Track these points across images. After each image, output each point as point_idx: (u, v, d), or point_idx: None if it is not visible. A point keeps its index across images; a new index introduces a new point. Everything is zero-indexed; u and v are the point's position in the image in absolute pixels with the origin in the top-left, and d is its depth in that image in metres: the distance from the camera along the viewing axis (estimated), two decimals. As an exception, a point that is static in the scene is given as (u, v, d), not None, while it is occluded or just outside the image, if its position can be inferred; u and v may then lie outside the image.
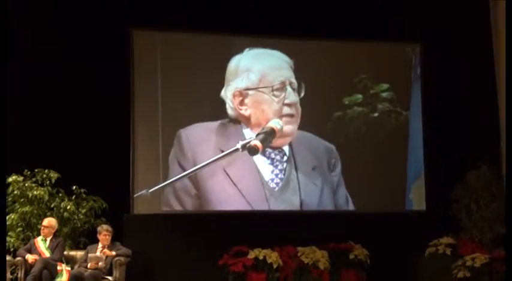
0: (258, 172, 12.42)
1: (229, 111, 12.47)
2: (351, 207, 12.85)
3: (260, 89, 12.43)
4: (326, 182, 12.72)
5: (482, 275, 10.99)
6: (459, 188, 12.48)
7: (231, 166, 12.30)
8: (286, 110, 12.46)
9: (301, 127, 12.67)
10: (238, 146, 12.17)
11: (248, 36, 12.83)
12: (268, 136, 12.27)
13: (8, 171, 11.47)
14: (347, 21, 12.73)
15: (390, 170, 13.06)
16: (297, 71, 12.65)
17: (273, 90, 12.41)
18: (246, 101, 12.36)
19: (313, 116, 12.80)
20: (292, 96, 12.44)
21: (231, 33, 12.72)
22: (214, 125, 12.43)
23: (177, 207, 12.20)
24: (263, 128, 12.31)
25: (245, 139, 12.25)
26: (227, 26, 12.59)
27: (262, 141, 12.18)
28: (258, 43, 12.81)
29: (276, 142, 12.41)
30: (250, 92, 12.42)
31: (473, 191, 12.34)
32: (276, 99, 12.38)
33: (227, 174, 12.27)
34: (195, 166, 12.19)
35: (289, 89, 12.42)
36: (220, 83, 12.54)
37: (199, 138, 12.37)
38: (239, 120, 12.44)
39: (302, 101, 12.59)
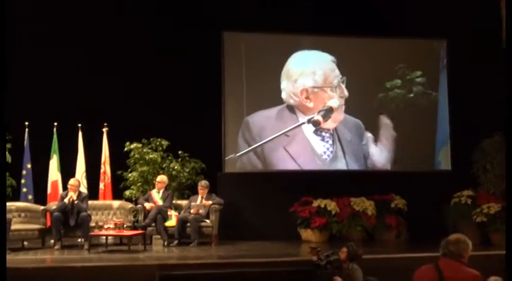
0: (312, 148, 12.86)
1: (291, 101, 12.86)
2: (388, 167, 13.21)
3: (324, 88, 13.01)
4: (359, 150, 13.15)
5: (496, 219, 11.22)
6: (477, 152, 12.68)
7: (290, 144, 12.77)
8: (341, 101, 12.96)
9: (349, 108, 13.08)
10: (304, 120, 12.77)
11: (303, 34, 13.12)
12: (328, 113, 12.84)
13: (130, 140, 12.52)
14: (386, 21, 12.84)
15: (423, 138, 13.31)
16: (342, 65, 13.07)
17: (332, 88, 12.98)
18: (311, 96, 12.85)
19: (360, 97, 13.12)
20: (345, 91, 12.93)
21: (287, 32, 12.99)
22: (273, 111, 12.88)
23: (256, 167, 12.77)
24: (324, 107, 12.84)
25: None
26: (285, 27, 12.76)
27: (323, 116, 12.80)
28: (309, 42, 13.14)
29: (327, 125, 12.87)
30: (315, 89, 12.92)
31: (488, 154, 12.52)
32: (335, 94, 12.91)
33: (287, 151, 12.83)
34: (262, 146, 12.74)
35: (342, 85, 12.93)
36: (279, 74, 12.98)
37: (263, 123, 12.83)
38: (293, 108, 12.90)
39: (350, 86, 13.03)
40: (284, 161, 12.80)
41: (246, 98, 12.85)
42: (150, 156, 12.42)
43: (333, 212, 12.00)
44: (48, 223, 11.17)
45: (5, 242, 6.71)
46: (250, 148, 12.71)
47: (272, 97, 12.91)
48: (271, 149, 12.77)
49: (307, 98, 12.88)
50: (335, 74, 13.00)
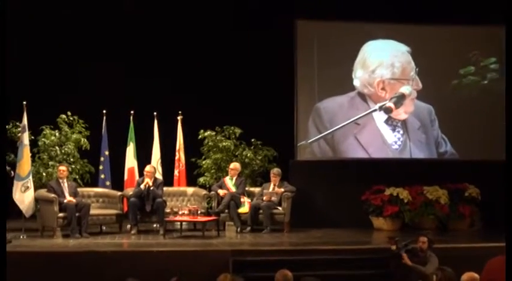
0: (383, 137, 12.76)
1: (365, 91, 12.76)
2: (456, 156, 12.95)
3: (401, 80, 12.88)
4: (429, 136, 12.97)
5: None
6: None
7: (361, 133, 12.69)
8: (414, 93, 12.82)
9: (421, 95, 12.91)
10: (376, 107, 12.68)
11: (376, 23, 12.89)
12: (400, 99, 12.72)
13: (204, 128, 12.67)
14: (460, 8, 12.48)
15: (496, 126, 12.64)
16: (416, 53, 12.89)
17: (409, 80, 12.84)
18: (387, 87, 12.75)
19: (434, 84, 12.90)
20: (419, 83, 12.77)
21: (363, 21, 12.81)
22: (345, 98, 12.81)
23: (327, 154, 12.73)
24: (395, 93, 12.74)
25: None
26: (361, 15, 12.60)
27: (395, 103, 12.69)
28: (382, 31, 12.97)
29: (399, 116, 12.76)
30: (392, 81, 12.81)
31: None
32: (410, 87, 12.79)
33: (358, 140, 12.76)
34: (332, 133, 12.68)
35: (417, 77, 12.79)
36: (353, 62, 12.84)
37: (334, 110, 12.75)
38: (365, 96, 12.79)
39: (422, 74, 12.87)
40: (354, 150, 12.77)
41: (318, 85, 12.82)
42: (224, 144, 12.55)
43: (406, 201, 11.89)
44: (125, 209, 11.45)
45: (5, 243, 6.87)
46: (321, 135, 12.70)
47: (343, 85, 12.85)
48: (341, 136, 12.75)
49: (383, 89, 12.82)
50: (411, 66, 12.90)
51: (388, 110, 12.76)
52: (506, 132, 7.37)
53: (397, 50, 13.00)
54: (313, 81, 12.83)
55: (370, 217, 12.17)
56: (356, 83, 12.86)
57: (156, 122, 12.69)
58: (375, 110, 12.75)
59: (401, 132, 12.86)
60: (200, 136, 12.72)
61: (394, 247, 8.03)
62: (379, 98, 12.82)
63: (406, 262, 7.99)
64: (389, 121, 12.83)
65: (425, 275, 7.42)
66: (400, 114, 12.83)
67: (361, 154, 12.73)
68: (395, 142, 12.84)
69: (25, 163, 10.65)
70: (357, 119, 12.71)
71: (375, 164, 12.68)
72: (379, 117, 12.82)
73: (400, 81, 12.89)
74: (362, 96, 12.84)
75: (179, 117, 12.76)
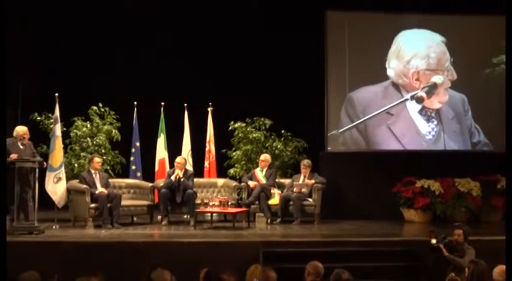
0: (416, 127, 12.71)
1: (399, 81, 12.75)
2: (489, 146, 12.88)
3: (436, 71, 12.79)
4: (462, 126, 12.87)
5: None
6: None
7: (394, 123, 12.66)
8: (447, 83, 12.74)
9: (454, 84, 12.82)
10: (408, 96, 12.65)
11: (408, 13, 12.88)
12: (431, 89, 12.68)
13: (234, 119, 12.68)
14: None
15: None
16: (449, 43, 12.80)
17: (444, 71, 12.78)
18: (421, 78, 12.70)
19: (466, 74, 12.84)
20: (454, 74, 12.72)
21: (395, 12, 12.78)
22: (378, 88, 12.80)
23: (354, 148, 12.75)
24: (427, 83, 12.68)
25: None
26: (393, 5, 12.54)
27: (427, 92, 12.63)
28: (416, 21, 12.92)
29: (433, 105, 12.70)
30: (427, 72, 12.74)
31: None
32: (445, 77, 12.72)
33: (391, 130, 12.71)
34: (365, 123, 12.70)
35: (451, 68, 12.72)
36: (386, 52, 12.82)
37: (368, 100, 12.76)
38: (399, 86, 12.75)
39: (456, 63, 12.79)
40: (387, 140, 12.74)
41: (349, 75, 12.78)
42: (254, 135, 12.54)
43: (437, 193, 11.82)
44: (156, 200, 11.52)
45: (5, 243, 6.87)
46: (353, 124, 12.71)
47: (375, 74, 12.82)
48: (374, 127, 12.73)
49: (417, 79, 12.79)
50: (446, 57, 12.83)
51: (419, 100, 12.69)
52: (506, 132, 7.38)
53: (432, 41, 12.92)
54: (344, 72, 12.80)
55: (401, 209, 12.11)
56: (390, 73, 12.82)
57: (186, 113, 12.73)
58: (407, 100, 12.70)
59: (435, 122, 12.80)
60: (230, 127, 12.71)
61: (434, 241, 7.97)
62: (413, 88, 12.79)
63: (446, 255, 7.91)
64: (423, 111, 12.77)
65: (463, 268, 7.34)
66: (434, 104, 12.77)
67: (394, 144, 12.71)
68: (429, 132, 12.79)
69: (57, 154, 10.75)
70: (388, 108, 12.67)
71: (406, 155, 12.61)
72: (413, 107, 12.77)
73: (435, 72, 12.80)
74: (396, 86, 12.80)
75: (209, 109, 12.79)
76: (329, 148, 12.75)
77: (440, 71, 12.80)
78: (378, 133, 12.71)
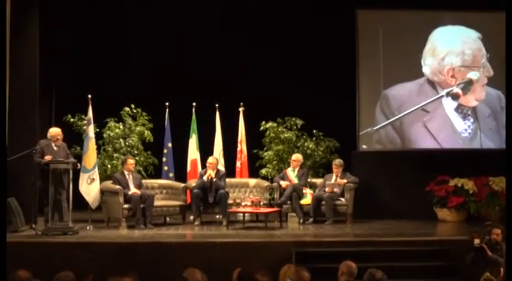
0: (452, 125, 12.57)
1: (434, 78, 12.61)
2: None
3: (472, 67, 12.65)
4: (499, 124, 12.60)
5: None
6: None
7: (430, 121, 12.52)
8: (484, 79, 12.60)
9: (489, 81, 12.65)
10: (443, 93, 12.51)
11: (444, 11, 12.69)
12: (467, 85, 12.52)
13: (266, 119, 12.65)
14: None
15: None
16: (486, 39, 12.63)
17: (480, 68, 12.62)
18: (457, 75, 12.55)
19: (502, 70, 12.53)
20: (490, 70, 12.58)
21: (430, 9, 12.59)
22: (414, 85, 12.68)
23: (389, 146, 12.67)
24: (463, 79, 12.52)
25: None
26: (427, 3, 12.44)
27: (462, 89, 12.49)
28: (451, 17, 12.76)
29: (469, 103, 12.54)
30: (462, 68, 12.59)
31: None
32: (481, 74, 12.58)
33: (427, 128, 12.56)
34: (400, 121, 12.60)
35: (488, 64, 12.58)
36: (421, 49, 12.70)
37: (403, 97, 12.64)
38: (434, 83, 12.62)
39: (491, 60, 12.59)
40: (423, 138, 12.65)
41: (384, 73, 12.71)
42: (285, 135, 12.51)
43: (471, 192, 11.70)
44: (188, 200, 11.52)
45: (5, 242, 6.89)
46: (387, 122, 12.64)
47: (410, 71, 12.74)
48: (410, 124, 12.64)
49: (452, 76, 12.66)
50: (482, 53, 12.68)
51: (455, 96, 12.58)
52: (506, 132, 7.15)
53: (468, 37, 12.79)
54: (377, 70, 12.74)
55: (434, 208, 11.97)
56: (425, 70, 12.71)
57: (218, 113, 12.77)
58: (442, 96, 12.60)
59: (471, 120, 12.66)
60: (262, 127, 12.70)
61: (477, 241, 7.85)
62: (448, 86, 12.68)
63: (489, 255, 7.80)
64: (459, 109, 12.65)
65: (500, 268, 7.23)
66: (470, 101, 12.64)
67: (430, 142, 12.60)
68: (465, 130, 12.66)
69: (91, 155, 10.86)
70: (424, 105, 12.57)
71: (439, 154, 12.49)
72: (449, 104, 12.64)
73: (470, 69, 12.67)
74: (431, 83, 12.70)
75: (241, 109, 12.80)
76: (363, 146, 12.68)
77: (476, 67, 12.65)
78: (414, 130, 12.63)
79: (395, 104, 12.65)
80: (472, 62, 12.68)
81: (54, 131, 10.22)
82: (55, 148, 10.05)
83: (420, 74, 12.72)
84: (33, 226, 9.73)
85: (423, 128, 12.59)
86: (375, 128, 12.60)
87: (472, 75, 12.58)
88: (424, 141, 12.63)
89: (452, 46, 12.74)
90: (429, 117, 12.60)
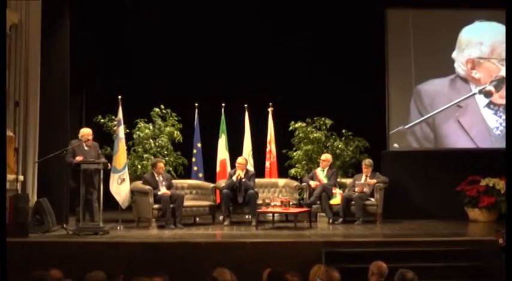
0: (485, 121, 12.48)
1: (459, 71, 12.53)
2: None
3: (491, 59, 12.58)
4: None
5: None
6: None
7: (463, 116, 12.43)
8: None
9: None
10: (476, 91, 12.44)
11: (475, 9, 12.59)
12: (500, 83, 12.42)
13: (294, 119, 12.69)
14: None
15: None
16: None
17: (500, 61, 12.47)
18: (476, 67, 12.48)
19: None
20: None
21: (461, 7, 12.52)
22: (446, 80, 12.61)
23: (424, 142, 12.60)
24: (495, 77, 12.43)
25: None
26: (457, 1, 12.37)
27: (495, 86, 12.41)
28: (483, 15, 12.67)
29: (500, 100, 12.43)
30: (481, 60, 12.54)
31: None
32: (503, 67, 12.39)
33: (460, 123, 12.49)
34: (433, 117, 12.47)
35: None
36: (452, 46, 12.64)
37: (435, 93, 12.58)
38: (466, 79, 12.56)
39: None
40: (456, 134, 12.59)
41: (415, 70, 12.64)
42: (315, 135, 12.50)
43: (502, 192, 11.52)
44: (218, 200, 11.55)
45: (5, 241, 6.96)
46: (420, 119, 12.59)
47: (441, 68, 12.68)
48: (442, 120, 12.58)
49: (472, 68, 12.56)
50: (503, 47, 12.31)
51: (488, 94, 12.51)
52: (506, 132, 7.03)
53: (492, 30, 12.69)
54: (407, 68, 12.68)
55: (465, 208, 11.87)
56: (455, 64, 12.68)
57: (247, 114, 12.76)
58: (475, 94, 12.52)
59: (503, 117, 12.52)
60: (291, 128, 12.71)
61: (501, 240, 7.77)
62: (474, 80, 12.59)
63: None
64: (490, 105, 12.56)
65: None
66: (503, 98, 12.48)
67: (463, 137, 12.52)
68: (497, 128, 12.55)
69: (121, 156, 10.91)
70: (457, 102, 12.49)
71: (470, 153, 12.37)
72: (481, 100, 12.57)
73: (489, 61, 12.56)
74: (463, 79, 12.64)
75: (270, 109, 12.80)
76: (395, 145, 12.64)
77: (496, 59, 12.52)
78: (447, 126, 12.57)
79: (428, 100, 12.60)
80: (490, 54, 12.59)
81: (85, 132, 10.33)
82: (86, 148, 10.16)
83: (451, 71, 12.66)
84: (65, 226, 9.81)
85: (456, 123, 12.52)
86: (407, 126, 12.54)
87: (505, 72, 12.38)
88: (457, 137, 12.55)
89: (472, 38, 12.67)
90: (462, 112, 12.53)
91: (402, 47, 12.73)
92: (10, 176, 9.72)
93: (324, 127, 12.65)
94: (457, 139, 12.56)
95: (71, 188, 10.26)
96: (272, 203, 10.54)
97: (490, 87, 12.48)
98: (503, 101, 12.47)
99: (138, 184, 10.94)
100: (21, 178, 10.11)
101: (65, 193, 10.35)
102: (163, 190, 10.71)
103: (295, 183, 11.89)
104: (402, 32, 12.76)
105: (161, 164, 10.98)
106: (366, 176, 11.55)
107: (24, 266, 6.91)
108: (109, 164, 10.33)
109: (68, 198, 10.61)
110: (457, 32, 12.70)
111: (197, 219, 11.34)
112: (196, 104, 12.54)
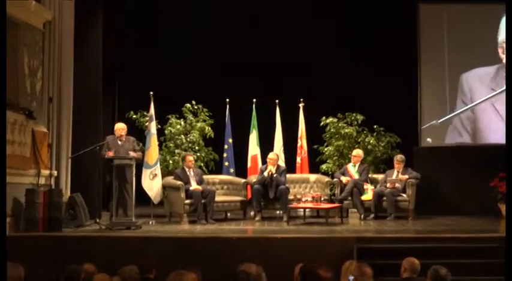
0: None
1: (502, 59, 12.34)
2: None
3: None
4: None
5: None
6: None
7: (499, 101, 12.19)
8: None
9: None
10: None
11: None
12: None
13: (326, 115, 12.63)
14: None
15: None
16: None
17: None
18: (505, 52, 12.15)
19: None
20: None
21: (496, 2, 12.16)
22: (491, 69, 12.43)
23: (455, 140, 12.50)
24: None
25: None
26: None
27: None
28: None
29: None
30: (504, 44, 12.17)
31: None
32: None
33: (496, 109, 12.32)
34: (472, 102, 12.39)
35: None
36: (488, 38, 12.49)
37: (476, 81, 12.48)
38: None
39: None
40: (491, 128, 12.43)
41: (448, 65, 12.54)
42: (346, 130, 12.47)
43: (535, 188, 11.37)
44: (249, 195, 11.56)
45: (5, 238, 6.90)
46: (455, 113, 12.53)
47: (477, 63, 12.57)
48: (481, 108, 12.49)
49: (503, 53, 12.39)
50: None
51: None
52: (506, 132, 6.94)
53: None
54: (441, 62, 12.58)
55: (498, 204, 11.68)
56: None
57: (278, 109, 12.75)
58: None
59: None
60: (322, 123, 12.67)
61: None
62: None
63: None
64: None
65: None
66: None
67: (501, 125, 12.17)
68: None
69: (153, 151, 10.95)
70: (496, 94, 12.36)
71: (503, 148, 12.11)
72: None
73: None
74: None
75: (301, 105, 12.77)
76: (428, 140, 12.55)
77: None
78: (485, 118, 12.48)
79: (467, 88, 12.52)
80: None
81: (118, 126, 10.41)
82: (119, 143, 10.22)
83: (490, 62, 12.53)
84: (98, 220, 9.91)
85: (493, 114, 12.38)
86: (440, 120, 12.45)
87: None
88: (496, 125, 12.33)
89: (503, 22, 12.42)
90: (497, 97, 12.32)
91: (435, 41, 12.62)
92: (44, 172, 9.86)
93: (355, 123, 12.60)
94: (493, 133, 12.39)
95: (105, 183, 10.34)
96: (303, 199, 10.50)
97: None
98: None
99: (170, 179, 10.99)
100: (54, 173, 10.23)
101: (98, 187, 10.42)
102: (194, 185, 10.74)
103: (327, 178, 11.85)
104: (435, 26, 12.65)
105: (190, 158, 11.02)
106: (398, 171, 11.48)
107: (58, 260, 6.97)
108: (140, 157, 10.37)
109: (101, 193, 10.70)
110: (494, 24, 12.54)
111: (228, 214, 11.35)
112: (228, 100, 12.55)
